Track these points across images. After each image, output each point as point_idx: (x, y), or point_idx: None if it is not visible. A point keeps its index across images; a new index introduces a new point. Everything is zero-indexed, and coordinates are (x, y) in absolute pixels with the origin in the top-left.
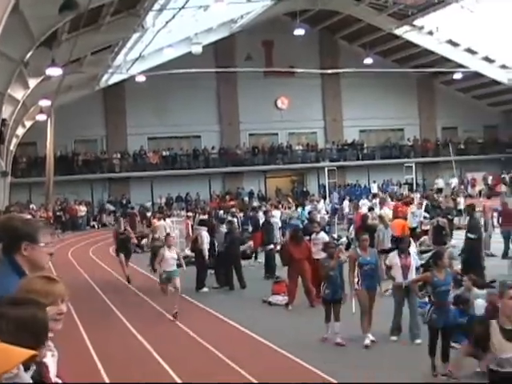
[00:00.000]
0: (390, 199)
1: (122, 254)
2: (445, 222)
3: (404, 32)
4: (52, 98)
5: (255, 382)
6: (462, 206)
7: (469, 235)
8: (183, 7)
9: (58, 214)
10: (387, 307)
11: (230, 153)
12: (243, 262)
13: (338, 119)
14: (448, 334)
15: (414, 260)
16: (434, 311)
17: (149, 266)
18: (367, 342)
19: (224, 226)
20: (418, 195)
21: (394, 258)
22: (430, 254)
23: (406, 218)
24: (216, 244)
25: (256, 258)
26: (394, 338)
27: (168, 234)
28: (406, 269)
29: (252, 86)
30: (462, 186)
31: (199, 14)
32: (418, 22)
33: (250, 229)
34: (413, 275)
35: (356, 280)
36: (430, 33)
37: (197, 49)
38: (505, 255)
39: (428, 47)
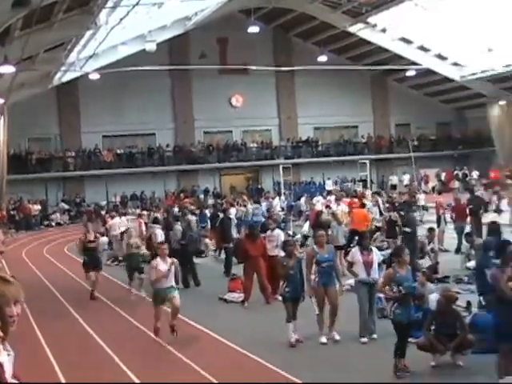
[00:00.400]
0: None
1: (91, 268)
2: (397, 216)
3: (358, 29)
4: (5, 96)
5: (214, 381)
6: (422, 202)
7: (405, 229)
8: (137, 4)
9: (11, 213)
10: (349, 304)
11: (185, 150)
12: (199, 260)
13: (293, 116)
14: (409, 329)
15: (377, 256)
16: (397, 307)
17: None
18: (323, 339)
19: (179, 223)
20: (369, 192)
21: (355, 254)
22: (386, 250)
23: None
24: (171, 242)
25: (220, 254)
26: (364, 339)
27: (161, 243)
28: (368, 265)
29: (206, 83)
30: (416, 183)
31: (153, 11)
32: (371, 20)
33: (208, 226)
34: (375, 271)
35: (313, 277)
36: (384, 30)
37: (151, 46)
38: (458, 250)
39: (381, 45)
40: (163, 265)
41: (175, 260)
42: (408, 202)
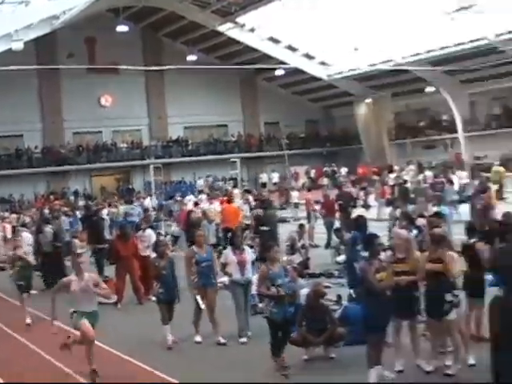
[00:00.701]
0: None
1: None
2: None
3: (227, 29)
4: None
5: (84, 381)
6: (295, 200)
7: (263, 228)
8: (2, 2)
9: None
10: (224, 302)
11: (54, 152)
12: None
13: (163, 116)
14: (285, 327)
15: (249, 255)
16: (273, 306)
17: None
18: (198, 338)
19: (49, 226)
20: (237, 190)
21: (228, 254)
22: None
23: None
24: (42, 245)
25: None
26: (243, 339)
27: (77, 256)
28: (242, 265)
29: (75, 83)
30: (289, 180)
31: (20, 10)
32: (240, 19)
33: (80, 228)
34: (249, 271)
35: (193, 278)
36: (252, 30)
37: (17, 45)
38: (328, 245)
39: (250, 44)
40: (78, 283)
41: (94, 276)
42: (267, 200)
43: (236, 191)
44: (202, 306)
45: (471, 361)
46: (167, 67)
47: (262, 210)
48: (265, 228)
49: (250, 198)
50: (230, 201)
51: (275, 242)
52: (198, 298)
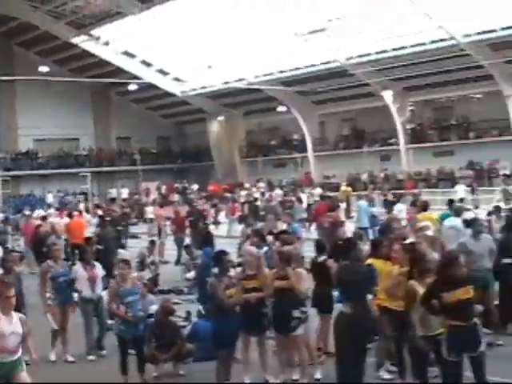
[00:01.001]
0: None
1: None
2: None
3: (81, 41)
4: None
5: None
6: (150, 215)
7: (98, 246)
8: None
9: None
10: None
11: None
12: None
13: (13, 128)
14: (137, 344)
15: (100, 270)
16: (122, 323)
17: None
18: (52, 357)
19: None
20: (82, 205)
21: (79, 270)
22: None
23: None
24: None
25: None
26: (92, 357)
27: (6, 290)
28: (92, 280)
29: None
30: (137, 196)
31: None
32: (95, 32)
33: None
34: (100, 287)
35: (48, 295)
36: (107, 43)
37: None
38: (178, 262)
39: (104, 57)
40: (7, 324)
41: (22, 315)
42: (103, 218)
43: (81, 206)
44: (55, 326)
45: (318, 375)
46: (18, 78)
47: (99, 228)
48: (99, 246)
49: (100, 212)
50: (70, 215)
51: (110, 260)
52: (50, 317)
